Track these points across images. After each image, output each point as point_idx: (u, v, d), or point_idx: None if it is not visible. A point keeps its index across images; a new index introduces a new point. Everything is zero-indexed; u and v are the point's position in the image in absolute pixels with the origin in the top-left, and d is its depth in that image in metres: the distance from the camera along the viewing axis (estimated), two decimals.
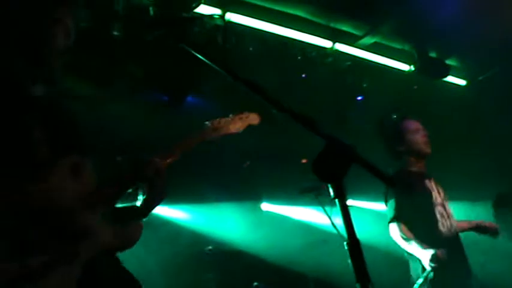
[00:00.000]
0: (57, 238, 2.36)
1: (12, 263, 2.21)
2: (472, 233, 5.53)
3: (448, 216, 5.21)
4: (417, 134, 5.39)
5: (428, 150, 5.39)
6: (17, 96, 2.56)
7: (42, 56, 2.62)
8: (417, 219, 5.04)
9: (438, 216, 5.11)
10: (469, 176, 8.55)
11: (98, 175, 2.72)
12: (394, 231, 5.11)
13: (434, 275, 4.72)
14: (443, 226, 5.08)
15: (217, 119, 3.52)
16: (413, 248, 4.96)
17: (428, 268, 4.77)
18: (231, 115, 3.65)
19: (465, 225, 5.51)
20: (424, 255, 4.83)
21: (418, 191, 5.18)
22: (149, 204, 2.87)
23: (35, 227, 2.32)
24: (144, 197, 2.86)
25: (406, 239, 5.00)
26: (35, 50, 2.60)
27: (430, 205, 5.13)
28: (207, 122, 3.54)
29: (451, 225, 5.16)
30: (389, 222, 5.15)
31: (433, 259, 4.71)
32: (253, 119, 3.71)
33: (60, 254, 2.34)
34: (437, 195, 5.25)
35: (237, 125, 3.60)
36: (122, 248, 2.71)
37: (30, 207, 2.34)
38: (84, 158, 2.65)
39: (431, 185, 5.33)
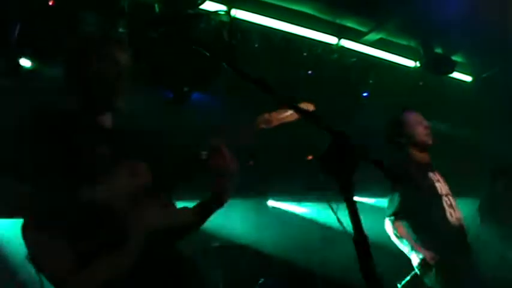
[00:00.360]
0: (107, 228, 2.53)
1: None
2: None
3: (455, 207, 5.17)
4: (418, 125, 5.36)
5: (429, 141, 5.36)
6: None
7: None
8: (424, 211, 5.01)
9: (446, 206, 5.07)
10: (474, 173, 8.51)
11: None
12: (388, 227, 5.18)
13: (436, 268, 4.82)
14: (451, 216, 5.04)
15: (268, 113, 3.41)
16: (404, 247, 5.03)
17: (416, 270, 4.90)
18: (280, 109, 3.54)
19: None
20: (413, 257, 4.93)
21: (420, 182, 5.13)
22: (217, 190, 2.99)
23: (91, 219, 2.50)
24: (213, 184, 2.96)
25: (399, 238, 5.07)
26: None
27: (436, 195, 5.08)
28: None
29: (458, 215, 5.14)
30: (386, 216, 5.20)
31: (421, 264, 4.84)
32: (307, 105, 3.60)
33: (108, 239, 2.50)
34: (441, 186, 5.20)
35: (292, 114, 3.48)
36: (174, 231, 2.85)
37: (90, 205, 2.52)
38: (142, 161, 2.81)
39: (435, 176, 5.29)
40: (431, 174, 5.28)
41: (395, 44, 8.35)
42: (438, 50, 8.33)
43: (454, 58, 8.58)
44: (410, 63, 8.53)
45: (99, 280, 2.44)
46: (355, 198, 1.77)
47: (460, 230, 5.09)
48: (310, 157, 10.04)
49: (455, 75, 8.98)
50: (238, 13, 6.64)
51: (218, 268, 8.47)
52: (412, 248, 4.93)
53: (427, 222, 5.01)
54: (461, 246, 4.99)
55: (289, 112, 3.32)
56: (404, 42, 8.27)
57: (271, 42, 7.30)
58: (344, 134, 1.81)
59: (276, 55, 7.37)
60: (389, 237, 5.24)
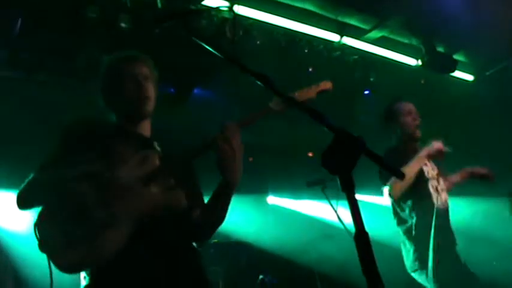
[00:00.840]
0: (104, 202, 2.78)
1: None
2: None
3: (442, 191, 5.26)
4: (408, 116, 5.41)
5: (417, 134, 5.41)
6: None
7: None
8: (410, 193, 5.08)
9: (431, 190, 5.16)
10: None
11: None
12: (386, 192, 5.15)
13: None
14: (436, 200, 5.11)
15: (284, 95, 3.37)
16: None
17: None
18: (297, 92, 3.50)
19: (458, 178, 5.65)
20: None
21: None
22: (223, 175, 3.06)
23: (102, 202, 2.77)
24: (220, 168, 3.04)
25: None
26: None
27: (421, 179, 5.13)
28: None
29: (443, 199, 5.25)
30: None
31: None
32: (325, 84, 3.59)
33: (106, 215, 2.74)
34: (429, 170, 5.26)
35: (308, 94, 3.49)
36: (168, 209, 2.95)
37: (104, 189, 2.81)
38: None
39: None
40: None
41: (397, 42, 8.35)
42: (440, 49, 8.33)
43: (455, 57, 8.58)
44: (412, 61, 8.53)
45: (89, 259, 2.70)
46: (357, 195, 1.78)
47: (443, 213, 5.19)
48: (310, 154, 10.07)
49: (457, 74, 8.98)
50: (240, 9, 6.64)
51: (217, 264, 8.48)
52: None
53: (414, 205, 5.13)
54: (442, 228, 5.05)
55: (309, 91, 3.38)
56: (406, 40, 8.27)
57: (273, 39, 7.30)
58: (345, 131, 1.82)
59: (277, 52, 7.37)
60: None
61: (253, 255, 9.52)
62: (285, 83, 2.10)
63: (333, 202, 6.67)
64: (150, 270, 2.84)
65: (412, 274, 5.15)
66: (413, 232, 5.11)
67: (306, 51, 7.62)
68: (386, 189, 5.06)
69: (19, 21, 5.95)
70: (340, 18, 7.55)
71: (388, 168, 1.76)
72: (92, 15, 6.05)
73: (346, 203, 1.80)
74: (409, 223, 5.16)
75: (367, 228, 1.76)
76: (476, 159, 5.88)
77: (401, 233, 5.27)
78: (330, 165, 1.78)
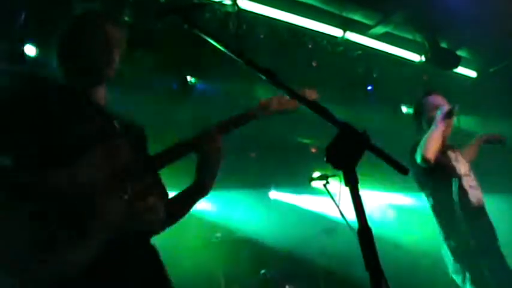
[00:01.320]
0: (70, 219, 2.39)
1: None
2: None
3: (476, 188, 5.06)
4: (436, 110, 5.17)
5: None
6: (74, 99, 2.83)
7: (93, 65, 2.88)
8: (443, 190, 4.94)
9: (467, 187, 4.96)
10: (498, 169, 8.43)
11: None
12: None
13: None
14: (473, 197, 4.94)
15: (268, 98, 3.31)
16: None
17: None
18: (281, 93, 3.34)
19: (475, 148, 5.59)
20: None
21: (439, 161, 4.94)
22: (203, 178, 2.95)
23: (54, 208, 2.38)
24: (198, 171, 2.94)
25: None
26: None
27: (455, 175, 4.97)
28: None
29: (478, 197, 5.03)
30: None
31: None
32: (310, 93, 3.49)
33: (76, 230, 2.38)
34: (461, 167, 5.09)
35: (291, 102, 3.36)
36: (145, 228, 2.71)
37: (55, 190, 2.42)
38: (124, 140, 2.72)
39: (455, 156, 5.18)
40: (450, 153, 5.19)
41: (400, 38, 8.34)
42: (443, 45, 8.32)
43: (459, 53, 8.56)
44: (415, 57, 8.52)
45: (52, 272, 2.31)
46: (360, 190, 1.77)
47: (481, 210, 5.01)
48: (313, 150, 10.06)
49: (460, 70, 8.96)
50: (244, 3, 6.63)
51: (219, 259, 8.49)
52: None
53: (447, 202, 4.94)
54: (481, 226, 4.91)
55: (290, 100, 3.30)
56: (409, 36, 8.25)
57: (276, 34, 7.29)
58: (350, 126, 1.81)
59: (281, 46, 7.37)
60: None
61: (255, 250, 9.53)
62: (288, 78, 2.09)
63: (335, 197, 6.67)
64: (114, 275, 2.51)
65: (453, 276, 4.96)
66: (450, 232, 4.94)
67: (309, 46, 7.61)
68: (418, 157, 4.86)
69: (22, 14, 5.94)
70: (343, 14, 7.53)
71: (392, 163, 1.75)
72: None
73: (348, 198, 1.80)
74: (445, 224, 4.99)
75: (370, 223, 1.76)
76: (478, 155, 5.84)
77: (439, 234, 5.07)
78: (334, 160, 1.78)
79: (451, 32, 8.14)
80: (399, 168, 1.75)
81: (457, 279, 4.89)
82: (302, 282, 8.99)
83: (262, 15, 6.93)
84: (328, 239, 9.10)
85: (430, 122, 5.14)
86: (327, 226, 9.31)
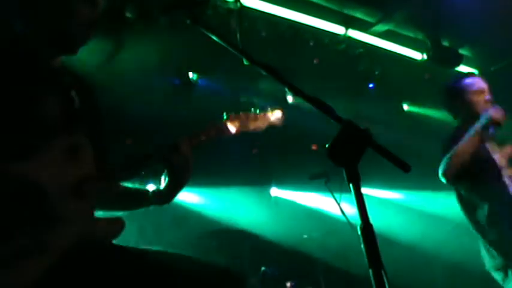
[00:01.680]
0: (33, 224, 2.23)
1: None
2: None
3: None
4: (480, 95, 4.84)
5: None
6: (33, 66, 2.58)
7: (65, 30, 2.63)
8: (482, 183, 4.61)
9: (506, 179, 4.59)
10: None
11: (107, 159, 2.72)
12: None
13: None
14: None
15: (238, 114, 3.21)
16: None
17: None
18: (253, 110, 3.32)
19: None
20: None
21: (478, 154, 4.58)
22: (170, 189, 2.83)
23: (12, 209, 2.20)
24: (166, 181, 2.82)
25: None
26: (57, 24, 2.62)
27: (494, 167, 4.62)
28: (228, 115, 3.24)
29: None
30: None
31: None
32: (277, 119, 3.38)
33: (33, 242, 2.20)
34: (501, 159, 4.70)
35: (258, 123, 3.30)
36: (104, 240, 2.53)
37: (13, 187, 2.22)
38: (89, 140, 2.55)
39: (491, 146, 4.77)
40: (488, 145, 4.76)
41: (402, 36, 8.33)
42: (445, 43, 8.31)
43: (461, 51, 8.56)
44: (417, 55, 8.51)
45: None
46: (362, 188, 1.78)
47: None
48: (314, 147, 10.05)
49: (462, 68, 8.95)
50: (246, 0, 6.63)
51: (219, 255, 8.49)
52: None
53: (486, 194, 4.60)
54: None
55: (261, 120, 3.27)
56: (411, 34, 8.25)
57: (278, 31, 7.29)
58: (352, 123, 1.82)
59: (283, 44, 7.36)
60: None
61: (255, 247, 9.53)
62: (289, 75, 2.09)
63: (336, 194, 6.68)
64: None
65: (492, 273, 4.62)
66: (488, 228, 4.55)
67: (311, 43, 7.61)
68: (440, 170, 4.56)
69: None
70: (345, 11, 7.53)
71: (393, 160, 1.76)
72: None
73: (349, 196, 1.80)
74: (483, 219, 4.57)
75: (372, 221, 1.76)
76: None
77: (473, 230, 4.72)
78: (336, 157, 1.78)
79: (453, 31, 8.13)
80: (401, 165, 1.75)
81: (497, 276, 4.58)
82: (302, 279, 8.99)
83: (264, 12, 6.92)
84: (329, 236, 9.11)
85: (468, 104, 4.86)
86: (328, 224, 9.32)
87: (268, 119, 3.32)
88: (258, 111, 3.32)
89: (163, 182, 2.83)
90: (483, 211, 4.59)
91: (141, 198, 2.89)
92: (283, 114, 3.35)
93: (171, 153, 2.78)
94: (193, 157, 2.83)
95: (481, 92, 4.88)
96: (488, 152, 4.71)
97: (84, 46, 2.71)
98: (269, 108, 3.34)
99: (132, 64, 6.63)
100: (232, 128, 3.13)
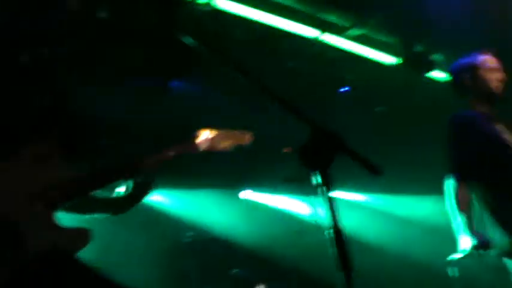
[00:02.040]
0: None
1: None
2: None
3: None
4: (494, 73, 4.67)
5: (498, 91, 4.63)
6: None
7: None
8: (497, 165, 4.35)
9: None
10: None
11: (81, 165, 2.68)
12: (449, 191, 4.41)
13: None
14: None
15: (206, 132, 3.29)
16: (456, 224, 4.26)
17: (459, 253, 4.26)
18: (222, 130, 3.40)
19: None
20: (463, 240, 4.17)
21: (487, 131, 4.47)
22: (134, 199, 2.87)
23: None
24: (130, 191, 2.84)
25: (456, 209, 4.29)
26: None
27: (507, 148, 4.37)
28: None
29: None
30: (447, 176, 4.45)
31: (472, 249, 4.11)
32: (245, 139, 3.48)
33: None
34: (510, 140, 4.43)
35: (226, 142, 3.41)
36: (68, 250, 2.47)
37: None
38: (58, 146, 2.52)
39: (501, 127, 4.54)
40: (497, 126, 4.56)
41: (376, 41, 8.36)
42: (419, 48, 8.36)
43: (434, 57, 8.61)
44: (391, 60, 8.55)
45: None
46: (333, 192, 1.78)
47: None
48: (286, 149, 10.07)
49: (435, 74, 9.01)
50: (219, 3, 6.61)
51: (190, 258, 8.47)
52: (467, 230, 4.16)
53: (503, 179, 4.34)
54: None
55: (229, 140, 3.28)
56: (385, 39, 8.29)
57: (252, 34, 7.27)
58: (323, 127, 1.82)
59: (256, 47, 7.35)
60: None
61: (226, 250, 9.52)
62: (264, 79, 2.09)
63: (309, 197, 6.69)
64: None
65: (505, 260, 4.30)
66: (500, 216, 4.31)
67: (284, 47, 7.61)
68: (450, 186, 4.35)
69: None
70: (319, 15, 7.53)
71: (364, 164, 1.76)
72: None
73: (320, 199, 1.81)
74: (493, 206, 4.35)
75: (342, 224, 1.77)
76: None
77: (485, 210, 4.42)
78: (307, 161, 1.78)
79: (427, 36, 8.18)
80: (372, 169, 1.76)
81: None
82: (273, 281, 9.01)
83: (237, 14, 6.91)
84: (300, 239, 9.14)
85: (479, 81, 4.69)
86: (299, 227, 9.35)
87: (236, 138, 3.33)
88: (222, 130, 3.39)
89: (124, 192, 2.85)
90: (497, 190, 4.38)
91: (106, 205, 2.91)
92: (252, 136, 3.38)
93: (134, 167, 2.80)
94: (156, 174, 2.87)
95: (496, 70, 4.73)
96: (499, 132, 4.51)
97: None
98: (238, 129, 3.37)
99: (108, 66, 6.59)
100: (200, 146, 3.16)
